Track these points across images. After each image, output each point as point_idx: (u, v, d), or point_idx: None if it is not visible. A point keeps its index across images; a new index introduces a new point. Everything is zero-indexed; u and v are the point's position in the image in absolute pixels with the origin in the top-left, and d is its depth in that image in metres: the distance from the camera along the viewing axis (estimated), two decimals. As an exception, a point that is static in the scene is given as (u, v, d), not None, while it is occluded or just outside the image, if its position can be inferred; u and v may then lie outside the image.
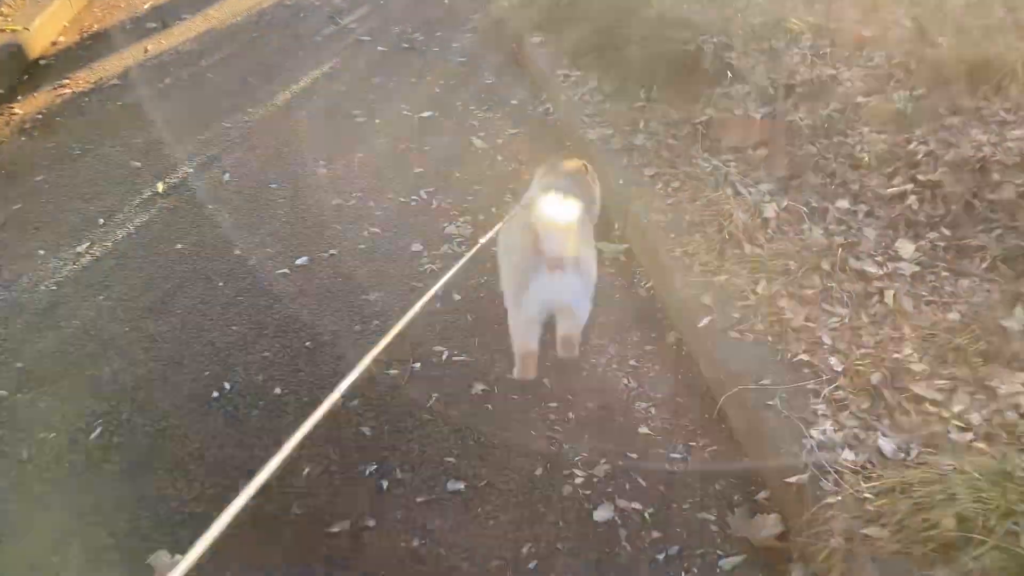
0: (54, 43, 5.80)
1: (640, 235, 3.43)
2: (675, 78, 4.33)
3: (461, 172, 4.10)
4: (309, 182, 3.99)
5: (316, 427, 2.63)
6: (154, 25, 6.17)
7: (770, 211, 3.24)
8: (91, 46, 5.80)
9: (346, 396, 2.62)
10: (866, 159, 3.49)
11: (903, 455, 2.23)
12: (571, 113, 4.41)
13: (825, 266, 2.93)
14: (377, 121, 4.65)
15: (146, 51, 5.73)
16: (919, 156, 3.36)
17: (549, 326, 2.65)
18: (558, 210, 2.39)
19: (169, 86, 5.13)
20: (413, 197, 3.86)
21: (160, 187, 3.95)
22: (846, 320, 2.72)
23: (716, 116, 3.97)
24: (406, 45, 5.81)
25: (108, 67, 5.41)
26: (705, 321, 2.81)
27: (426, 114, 4.73)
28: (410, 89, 5.09)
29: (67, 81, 5.15)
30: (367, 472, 2.45)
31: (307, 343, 2.95)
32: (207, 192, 3.93)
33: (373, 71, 5.36)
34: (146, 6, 6.56)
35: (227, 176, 4.06)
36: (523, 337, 2.55)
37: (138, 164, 4.21)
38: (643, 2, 4.85)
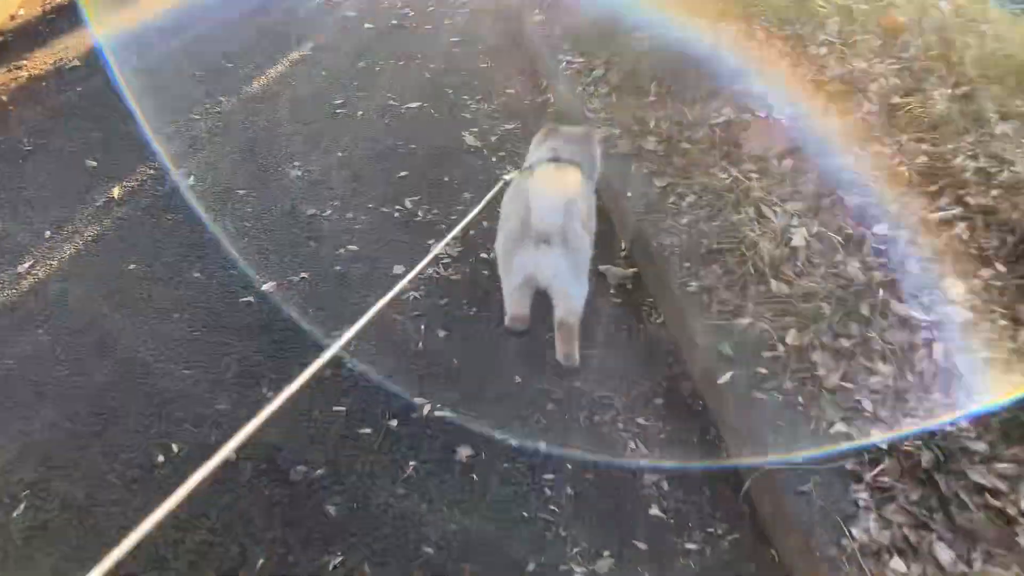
0: (12, 17, 5.35)
1: (650, 259, 3.03)
2: (690, 71, 3.88)
3: (451, 175, 3.69)
4: (281, 187, 3.58)
5: (273, 505, 2.31)
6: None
7: (799, 238, 2.83)
8: (54, 20, 5.35)
9: (311, 464, 2.27)
10: (906, 174, 3.06)
11: (964, 566, 1.86)
12: (573, 106, 3.98)
13: (864, 310, 2.53)
14: (360, 113, 4.22)
15: (114, 27, 5.25)
16: (967, 174, 2.94)
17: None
18: (552, 184, 2.34)
19: (136, 69, 4.68)
20: (396, 207, 3.46)
21: (116, 192, 3.54)
22: (889, 380, 2.33)
23: (735, 118, 3.53)
24: (395, 22, 5.35)
25: (70, 46, 4.96)
26: (726, 377, 2.43)
27: (413, 105, 4.30)
28: (398, 75, 4.64)
29: (24, 63, 4.72)
30: (332, 565, 2.09)
31: (268, 392, 2.57)
32: (168, 199, 3.53)
33: (359, 52, 4.91)
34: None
35: (192, 179, 3.65)
36: (513, 302, 2.55)
37: (94, 163, 3.79)
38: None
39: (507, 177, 2.75)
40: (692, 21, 4.13)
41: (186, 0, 5.65)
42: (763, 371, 2.43)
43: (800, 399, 2.33)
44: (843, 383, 2.36)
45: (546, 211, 2.24)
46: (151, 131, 4.02)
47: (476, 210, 2.57)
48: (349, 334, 1.75)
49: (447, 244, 3.20)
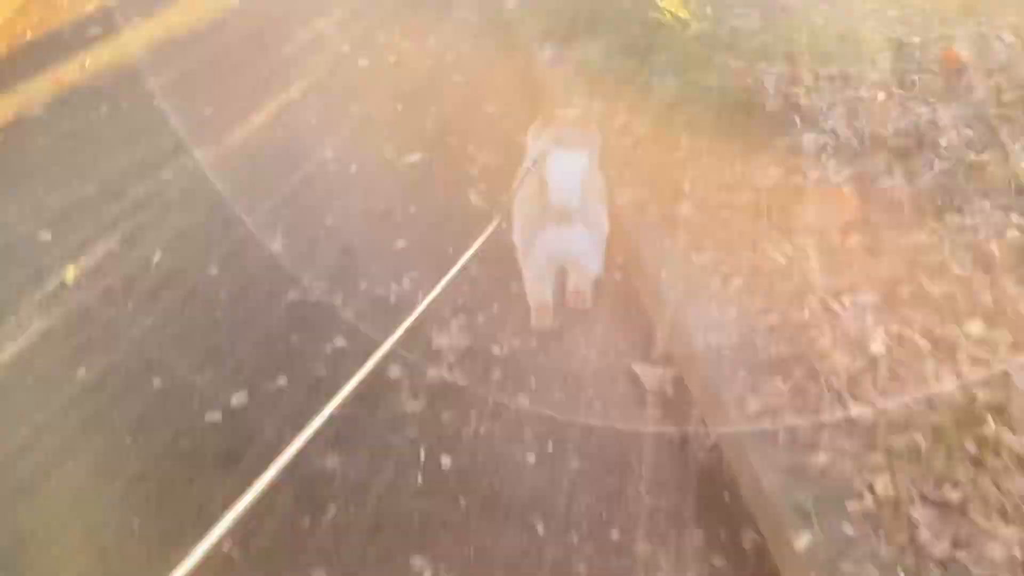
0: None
1: (692, 362, 2.52)
2: (726, 120, 3.37)
3: (455, 246, 3.17)
4: (260, 265, 3.08)
5: None
6: (98, 31, 5.19)
7: (878, 342, 2.32)
8: (20, 61, 4.87)
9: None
10: (997, 254, 2.55)
11: None
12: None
13: (969, 444, 2.01)
14: (353, 169, 3.72)
15: (84, 67, 4.78)
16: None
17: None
18: (567, 161, 2.34)
19: (103, 117, 4.20)
20: (393, 287, 2.95)
21: (70, 274, 3.05)
22: (1016, 549, 1.81)
23: (785, 180, 3.02)
24: (393, 59, 4.84)
25: (34, 90, 4.48)
26: (804, 541, 1.91)
27: (413, 158, 3.80)
28: (395, 121, 4.15)
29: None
30: None
31: (234, 553, 2.06)
32: (129, 281, 3.04)
33: (352, 95, 4.41)
34: (91, 6, 5.58)
35: (158, 256, 3.15)
36: (535, 289, 2.58)
37: (47, 236, 3.31)
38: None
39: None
40: (725, 60, 3.62)
41: (166, 34, 5.15)
42: (849, 531, 1.92)
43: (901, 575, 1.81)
44: (955, 551, 1.84)
45: (564, 190, 2.25)
46: (116, 196, 3.54)
47: (469, 252, 2.33)
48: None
49: (450, 336, 2.70)
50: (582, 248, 2.42)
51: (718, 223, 2.98)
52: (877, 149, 3.08)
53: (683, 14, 3.76)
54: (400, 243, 3.27)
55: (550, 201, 2.27)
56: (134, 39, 5.07)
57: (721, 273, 2.77)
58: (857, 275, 2.61)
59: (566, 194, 2.26)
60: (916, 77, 3.65)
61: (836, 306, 2.50)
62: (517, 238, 2.53)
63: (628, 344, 2.59)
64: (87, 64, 4.79)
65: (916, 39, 3.99)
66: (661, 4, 3.73)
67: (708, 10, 4.22)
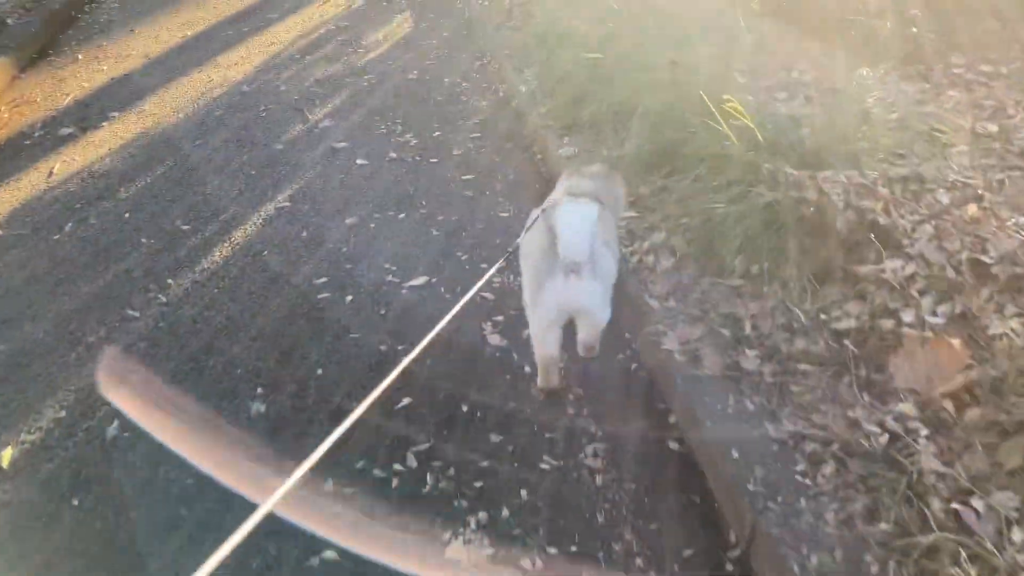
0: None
1: (778, 570, 1.93)
2: (791, 244, 2.82)
3: (471, 401, 2.64)
4: (236, 439, 2.52)
5: None
6: (70, 131, 4.73)
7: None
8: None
9: None
10: None
11: None
12: (627, 283, 2.93)
13: None
14: (348, 299, 3.19)
15: (51, 174, 4.30)
16: None
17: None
18: (576, 212, 2.29)
19: (66, 238, 3.70)
20: (395, 467, 2.39)
21: (5, 458, 2.49)
22: None
23: (870, 324, 2.46)
24: (394, 155, 4.34)
25: (-6, 205, 3.96)
26: None
27: (418, 282, 3.28)
28: (398, 233, 3.63)
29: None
30: None
31: None
32: (79, 463, 2.49)
33: (349, 202, 3.90)
34: (67, 100, 5.12)
35: (114, 428, 2.60)
36: (543, 343, 2.54)
37: (-15, 399, 2.74)
38: (719, 105, 3.35)
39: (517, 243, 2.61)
40: (780, 164, 3.08)
41: (142, 131, 4.66)
42: None
43: None
44: None
45: (574, 240, 2.22)
46: (69, 347, 3.00)
47: (482, 281, 2.37)
48: None
49: (465, 540, 2.12)
50: (591, 299, 2.38)
51: (793, 379, 2.42)
52: (981, 280, 2.52)
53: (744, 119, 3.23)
54: (404, 401, 2.73)
55: (559, 252, 2.23)
56: (110, 138, 4.58)
57: (805, 452, 2.20)
58: (983, 461, 2.03)
59: (575, 246, 2.23)
60: (1001, 176, 3.10)
61: (965, 512, 1.91)
62: (525, 288, 2.50)
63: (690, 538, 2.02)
64: (56, 170, 4.29)
65: (992, 128, 3.46)
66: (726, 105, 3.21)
67: (749, 97, 3.71)
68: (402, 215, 3.81)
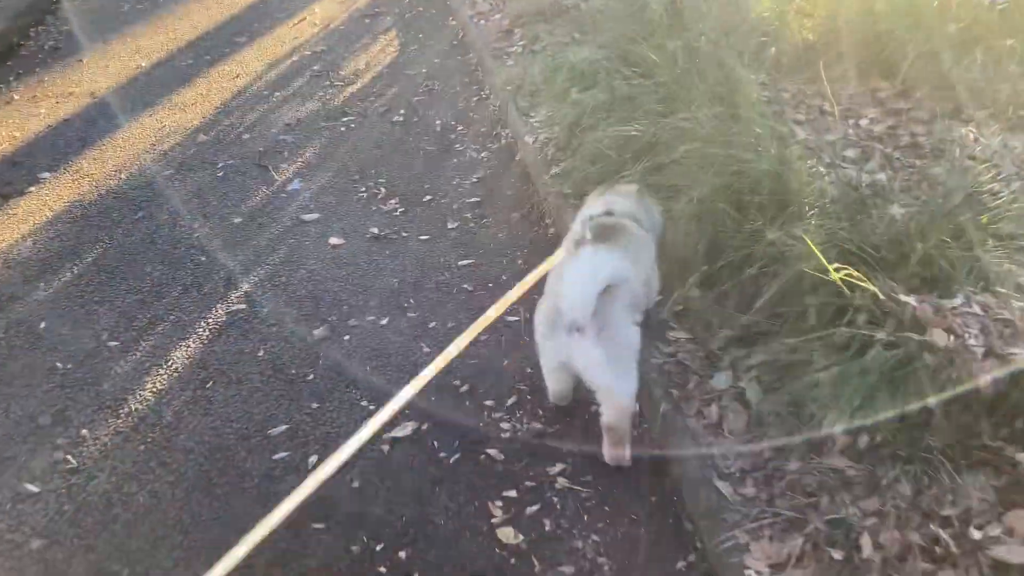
0: None
1: None
2: (905, 401, 2.02)
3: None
4: None
5: None
6: (-9, 201, 3.92)
7: None
8: None
9: None
10: None
11: None
12: (681, 441, 2.15)
13: None
14: (312, 460, 2.40)
15: (-36, 260, 3.49)
16: None
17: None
18: (588, 264, 2.12)
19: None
20: None
21: None
22: None
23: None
24: (375, 231, 3.55)
25: None
26: None
27: (403, 432, 2.47)
28: (378, 351, 2.89)
29: None
30: None
31: None
32: None
33: (318, 303, 3.14)
34: (-5, 156, 4.31)
35: None
36: (550, 380, 2.44)
37: None
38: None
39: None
40: (881, 281, 2.28)
41: (76, 197, 3.87)
42: None
43: None
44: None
45: (577, 298, 2.06)
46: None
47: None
48: None
49: None
50: (595, 365, 2.15)
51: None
52: None
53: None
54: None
55: (563, 308, 2.09)
56: (36, 209, 3.79)
57: None
58: None
59: (578, 305, 2.06)
60: None
61: None
62: (535, 326, 2.34)
63: None
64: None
65: None
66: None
67: (815, 163, 2.91)
68: (384, 321, 3.02)
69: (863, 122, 3.53)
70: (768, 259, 2.52)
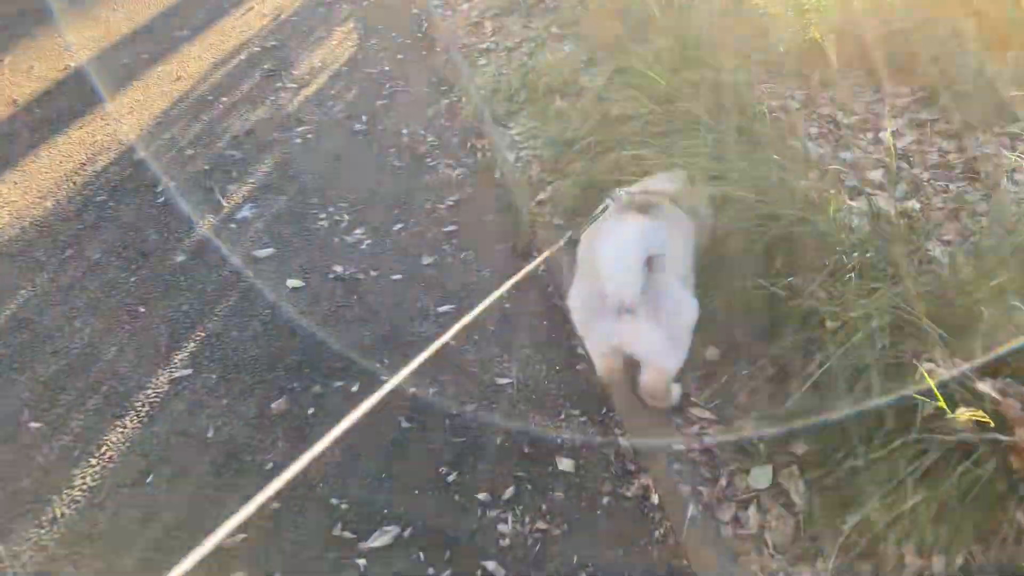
0: None
1: None
2: (965, 496, 1.68)
3: None
4: None
5: None
6: None
7: None
8: None
9: None
10: None
11: None
12: (709, 545, 1.79)
13: None
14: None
15: None
16: None
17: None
18: (620, 236, 1.91)
19: None
20: None
21: None
22: None
23: None
24: (339, 269, 3.12)
25: None
26: None
27: (384, 539, 2.09)
28: (349, 432, 2.41)
29: None
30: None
31: None
32: None
33: (272, 367, 2.68)
34: None
35: None
36: (600, 363, 2.21)
37: None
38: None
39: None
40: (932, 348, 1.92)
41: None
42: None
43: None
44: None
45: (621, 274, 1.85)
46: None
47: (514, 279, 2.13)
48: None
49: None
50: (654, 345, 1.98)
51: None
52: None
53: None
54: None
55: (607, 290, 1.86)
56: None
57: None
58: None
59: (623, 285, 1.84)
60: None
61: None
62: (573, 309, 2.14)
63: None
64: None
65: None
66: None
67: (837, 192, 2.54)
68: (355, 388, 2.60)
69: (883, 135, 3.15)
70: (802, 320, 2.13)
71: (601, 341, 2.09)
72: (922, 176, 2.92)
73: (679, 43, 3.41)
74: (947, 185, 2.87)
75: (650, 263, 1.90)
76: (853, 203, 2.64)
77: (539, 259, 2.42)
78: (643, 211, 2.11)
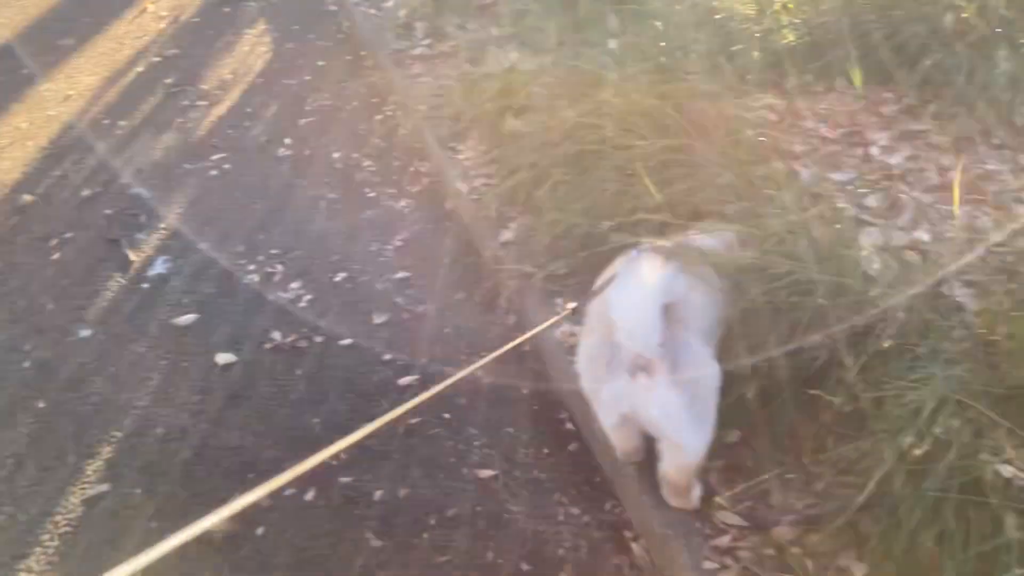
0: None
1: None
2: None
3: None
4: None
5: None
6: None
7: None
8: None
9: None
10: None
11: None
12: None
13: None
14: None
15: None
16: None
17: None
18: (643, 280, 1.65)
19: None
20: None
21: None
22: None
23: None
24: (277, 336, 2.70)
25: None
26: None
27: None
28: (306, 555, 2.04)
29: None
30: None
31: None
32: None
33: (212, 473, 2.29)
34: None
35: None
36: (614, 438, 1.95)
37: None
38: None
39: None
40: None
41: None
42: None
43: None
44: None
45: (636, 322, 1.61)
46: None
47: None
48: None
49: None
50: (672, 414, 1.68)
51: None
52: None
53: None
54: None
55: (620, 341, 1.64)
56: None
57: None
58: None
59: (637, 334, 1.62)
60: None
61: None
62: (581, 372, 1.88)
63: None
64: None
65: None
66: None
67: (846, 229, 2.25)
68: (311, 494, 2.18)
69: (874, 151, 2.88)
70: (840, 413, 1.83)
71: (611, 407, 1.81)
72: (925, 199, 2.64)
73: (638, 49, 3.06)
74: (953, 210, 2.60)
75: (671, 312, 1.66)
76: (864, 243, 2.34)
77: (527, 336, 2.04)
78: (664, 257, 1.81)
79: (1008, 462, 1.63)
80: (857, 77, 3.08)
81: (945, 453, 1.62)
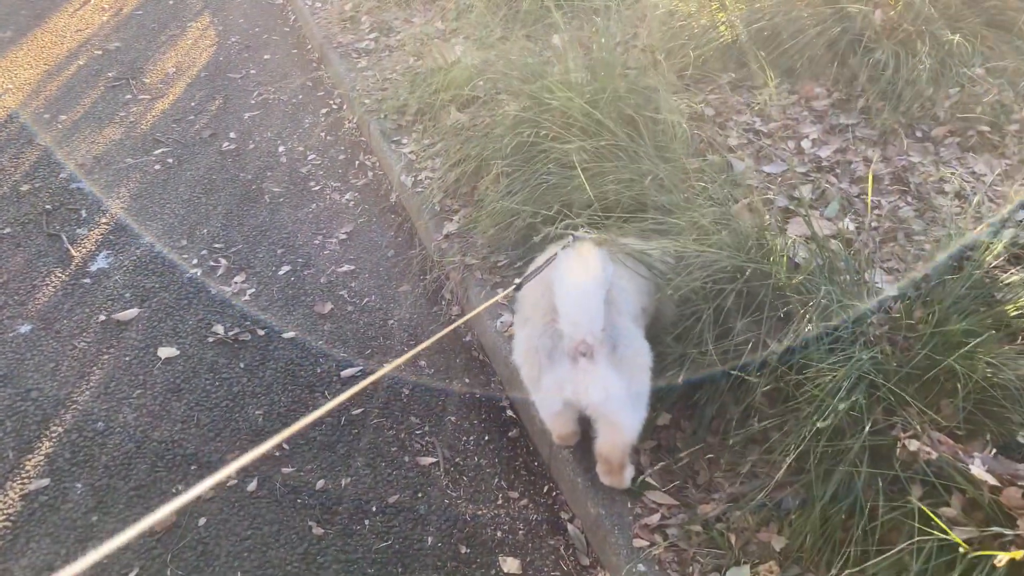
0: None
1: None
2: None
3: None
4: None
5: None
6: None
7: None
8: None
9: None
10: None
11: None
12: None
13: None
14: None
15: None
16: None
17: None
18: (586, 267, 1.66)
19: None
20: None
21: None
22: None
23: None
24: (219, 331, 2.70)
25: None
26: None
27: None
28: (252, 549, 2.06)
29: None
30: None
31: None
32: None
33: (155, 468, 2.30)
34: None
35: None
36: (552, 424, 2.01)
37: None
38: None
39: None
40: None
41: None
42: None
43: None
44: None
45: (580, 310, 1.64)
46: None
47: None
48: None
49: None
50: (610, 395, 1.72)
51: None
52: None
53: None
54: None
55: (563, 328, 1.65)
56: None
57: None
58: None
59: (582, 322, 1.64)
60: None
61: None
62: (519, 360, 1.88)
63: None
64: None
65: None
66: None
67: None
68: (252, 485, 2.20)
69: (805, 144, 2.97)
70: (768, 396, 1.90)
71: (552, 394, 1.81)
72: (851, 191, 2.74)
73: (580, 44, 3.11)
74: (879, 200, 2.71)
75: (608, 299, 1.70)
76: (790, 231, 2.43)
77: (466, 317, 2.09)
78: (595, 246, 1.86)
79: (915, 437, 1.73)
80: (790, 73, 3.17)
81: (859, 430, 1.71)
